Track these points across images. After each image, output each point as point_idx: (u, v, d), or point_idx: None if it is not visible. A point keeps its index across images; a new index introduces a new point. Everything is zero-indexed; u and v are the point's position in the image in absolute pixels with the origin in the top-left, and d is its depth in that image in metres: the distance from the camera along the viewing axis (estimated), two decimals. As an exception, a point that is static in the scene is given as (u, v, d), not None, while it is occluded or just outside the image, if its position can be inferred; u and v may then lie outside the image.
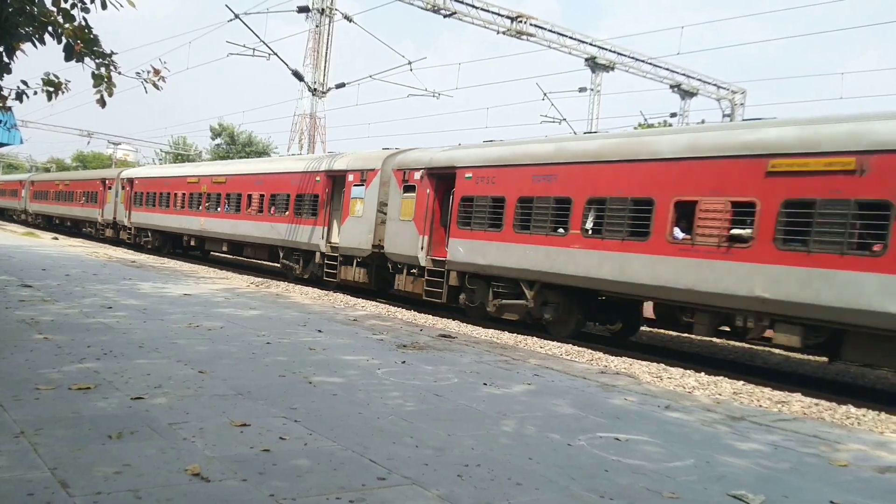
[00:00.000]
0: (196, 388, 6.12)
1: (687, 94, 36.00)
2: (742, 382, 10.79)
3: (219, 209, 27.35)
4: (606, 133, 16.47)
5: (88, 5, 7.66)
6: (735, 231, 11.52)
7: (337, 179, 21.03)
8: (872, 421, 8.83)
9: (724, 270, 11.55)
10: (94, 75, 8.23)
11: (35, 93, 8.42)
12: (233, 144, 75.72)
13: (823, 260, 10.42)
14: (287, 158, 27.48)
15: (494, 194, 15.62)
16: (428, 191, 17.53)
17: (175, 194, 30.56)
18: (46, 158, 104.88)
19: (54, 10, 7.57)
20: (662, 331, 17.83)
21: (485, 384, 7.51)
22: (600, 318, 15.55)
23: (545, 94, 30.26)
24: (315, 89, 27.49)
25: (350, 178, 20.28)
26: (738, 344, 16.45)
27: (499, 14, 29.53)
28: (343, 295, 18.92)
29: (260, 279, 21.32)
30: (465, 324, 15.14)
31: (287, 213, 22.92)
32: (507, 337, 13.50)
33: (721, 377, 11.11)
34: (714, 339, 16.34)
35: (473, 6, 28.56)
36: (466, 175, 16.37)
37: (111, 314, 10.02)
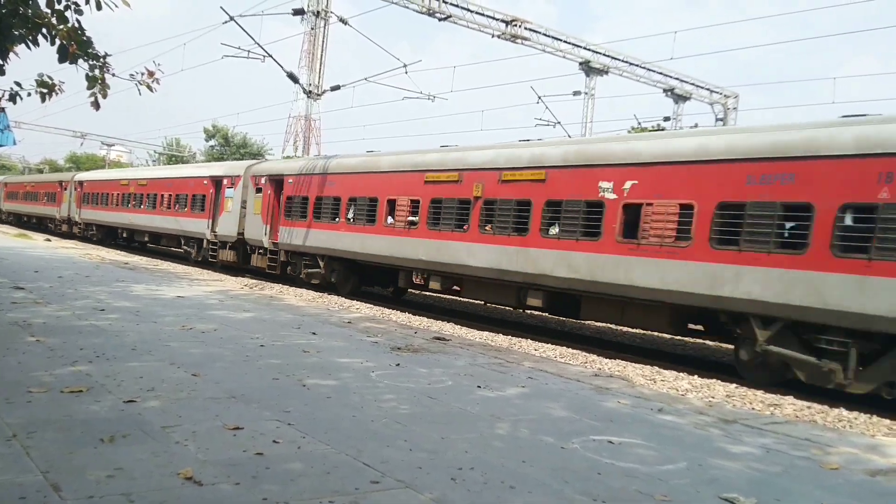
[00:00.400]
0: (189, 391, 6.11)
1: (680, 99, 36.12)
2: (735, 385, 10.83)
3: (142, 206, 35.63)
4: (361, 154, 22.79)
5: (82, 7, 7.65)
6: (411, 218, 18.08)
7: (218, 183, 27.38)
8: (864, 424, 8.87)
9: (404, 242, 18.21)
10: (87, 77, 8.23)
11: (29, 94, 8.41)
12: (227, 146, 75.63)
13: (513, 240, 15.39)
14: (188, 166, 39.83)
15: (303, 194, 22.35)
16: (269, 192, 24.05)
17: (112, 194, 37.46)
18: (40, 160, 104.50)
19: (48, 11, 7.56)
20: (656, 333, 17.87)
21: (479, 387, 7.51)
22: (375, 282, 21.68)
23: (539, 98, 30.34)
24: (310, 91, 27.48)
25: (225, 182, 26.73)
26: (730, 346, 16.51)
27: (493, 18, 29.59)
28: (337, 297, 18.93)
29: (254, 281, 21.33)
30: (458, 326, 15.15)
31: (186, 209, 29.78)
32: (501, 339, 13.52)
33: (714, 380, 11.15)
34: (707, 342, 16.37)
35: (468, 10, 28.62)
36: (289, 181, 23.21)
37: (104, 316, 9.98)
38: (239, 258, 25.53)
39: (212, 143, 75.68)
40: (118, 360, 7.12)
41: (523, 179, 15.10)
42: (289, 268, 22.97)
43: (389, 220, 18.60)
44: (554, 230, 14.51)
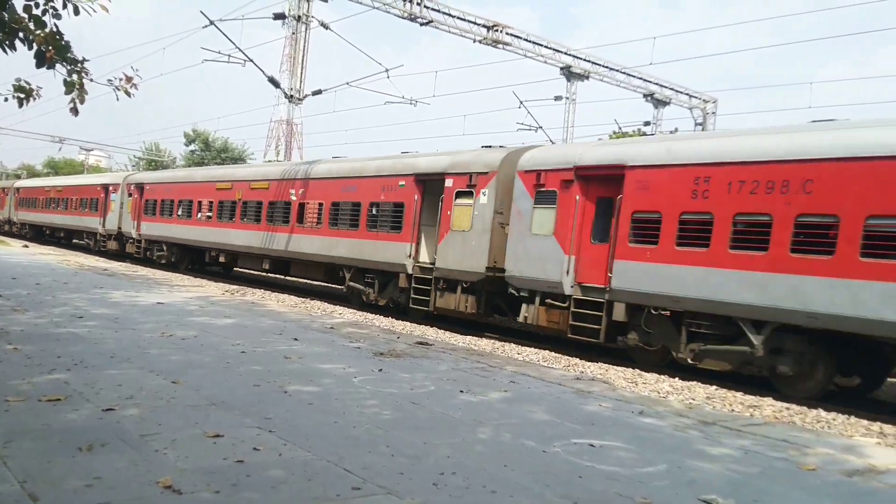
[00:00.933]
0: (168, 399, 6.07)
1: (660, 103, 36.41)
2: (715, 387, 10.91)
3: (58, 208, 39.51)
4: (185, 169, 29.80)
5: (60, 11, 7.58)
6: (208, 213, 26.61)
7: (106, 189, 34.55)
8: (842, 424, 8.98)
9: (206, 231, 26.62)
10: (65, 82, 8.14)
11: (6, 99, 8.31)
12: (207, 151, 75.09)
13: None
14: (88, 176, 46.50)
15: (153, 198, 30.19)
16: (136, 196, 31.40)
17: (39, 199, 37.15)
18: (17, 164, 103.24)
19: (25, 16, 7.48)
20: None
21: (461, 391, 7.52)
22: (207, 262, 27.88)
23: (521, 103, 30.45)
24: (291, 96, 27.40)
25: (110, 188, 34.09)
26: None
27: (475, 23, 29.68)
28: (321, 302, 18.86)
29: (235, 286, 21.22)
30: (442, 330, 15.15)
31: (86, 210, 36.81)
32: (484, 343, 13.54)
33: (695, 382, 11.23)
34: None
35: (450, 15, 28.68)
36: (147, 187, 30.88)
37: (82, 324, 9.88)
38: (120, 247, 33.01)
39: (192, 147, 75.12)
40: (96, 368, 7.05)
41: (258, 188, 23.46)
42: (147, 252, 30.42)
43: (199, 215, 26.82)
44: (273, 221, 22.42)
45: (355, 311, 17.77)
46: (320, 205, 20.24)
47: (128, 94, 9.54)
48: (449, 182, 16.30)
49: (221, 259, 26.02)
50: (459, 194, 16.01)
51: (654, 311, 12.34)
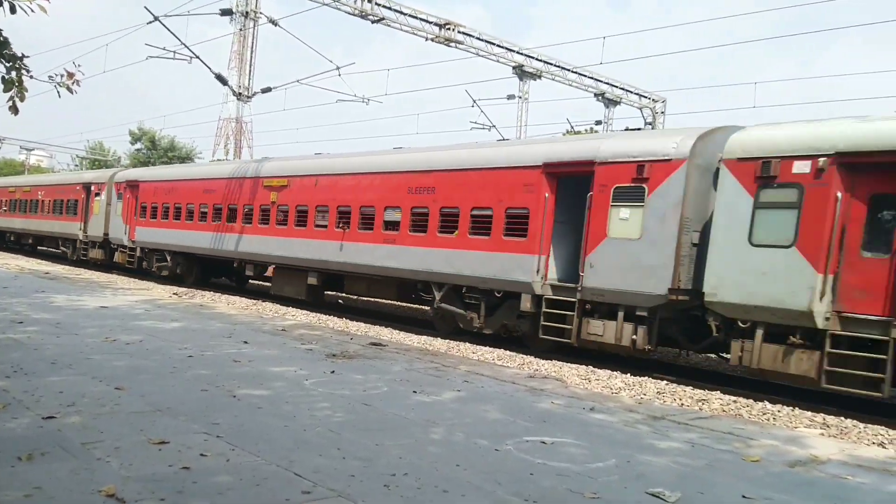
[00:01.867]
0: (112, 406, 5.90)
1: (611, 103, 36.95)
2: (665, 382, 11.10)
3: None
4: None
5: None
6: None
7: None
8: (787, 416, 9.22)
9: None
10: (3, 80, 7.86)
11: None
12: (154, 149, 73.53)
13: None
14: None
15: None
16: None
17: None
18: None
19: (-42, 13, 7.19)
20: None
21: (415, 392, 7.50)
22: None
23: (474, 101, 30.55)
24: (240, 93, 26.95)
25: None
26: (661, 347, 16.97)
27: (427, 21, 29.63)
28: (273, 304, 18.57)
29: (183, 289, 20.68)
30: (396, 331, 15.09)
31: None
32: (439, 343, 13.52)
33: (646, 377, 11.40)
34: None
35: (401, 12, 28.58)
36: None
37: (22, 329, 9.55)
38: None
39: (138, 146, 73.41)
40: (37, 375, 6.82)
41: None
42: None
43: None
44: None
45: (308, 312, 17.48)
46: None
47: (70, 90, 9.25)
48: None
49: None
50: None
51: None
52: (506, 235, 13.66)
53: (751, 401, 10.07)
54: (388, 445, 5.36)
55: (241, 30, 26.46)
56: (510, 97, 34.10)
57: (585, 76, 35.56)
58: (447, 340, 14.10)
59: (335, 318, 16.49)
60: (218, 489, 4.12)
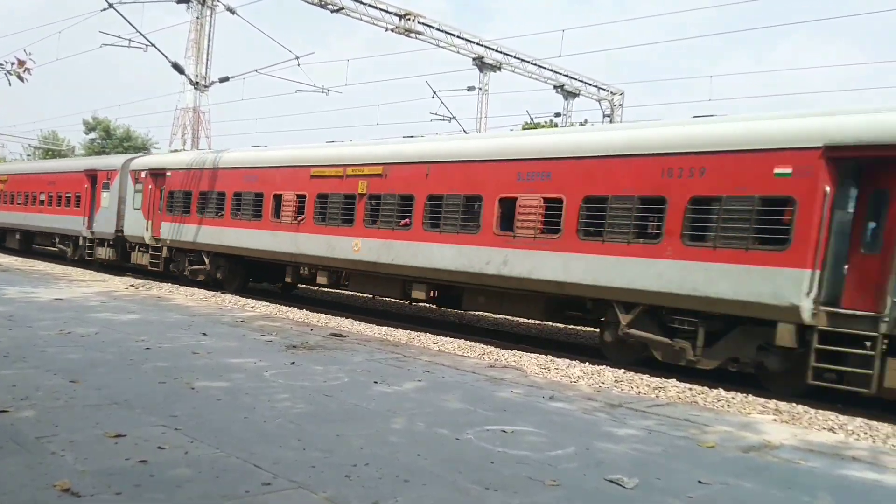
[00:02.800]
0: (67, 399, 5.78)
1: (570, 95, 37.21)
2: (623, 371, 11.27)
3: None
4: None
5: None
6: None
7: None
8: (741, 403, 9.45)
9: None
10: (-50, 68, 7.62)
11: None
12: (109, 139, 71.92)
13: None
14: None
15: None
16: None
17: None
18: None
19: None
20: (552, 324, 18.38)
21: (375, 382, 7.51)
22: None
23: (435, 93, 30.47)
24: (197, 83, 26.47)
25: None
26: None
27: (387, 11, 29.45)
28: (231, 296, 18.35)
29: (141, 281, 20.19)
30: (357, 322, 15.04)
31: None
32: (399, 334, 13.51)
33: (604, 366, 11.57)
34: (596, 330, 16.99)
35: (361, 2, 28.35)
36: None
37: (-29, 322, 9.29)
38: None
39: (92, 135, 71.70)
40: (-13, 369, 6.64)
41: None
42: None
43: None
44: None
45: (268, 304, 17.25)
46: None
47: (21, 78, 9.02)
48: None
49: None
50: None
51: None
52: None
53: (706, 388, 10.29)
54: (348, 436, 5.36)
55: (197, 18, 25.96)
56: (470, 88, 34.12)
57: (545, 68, 35.76)
58: (407, 331, 14.11)
59: (295, 309, 16.36)
60: (176, 482, 4.08)
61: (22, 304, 11.59)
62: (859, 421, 8.43)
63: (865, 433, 7.93)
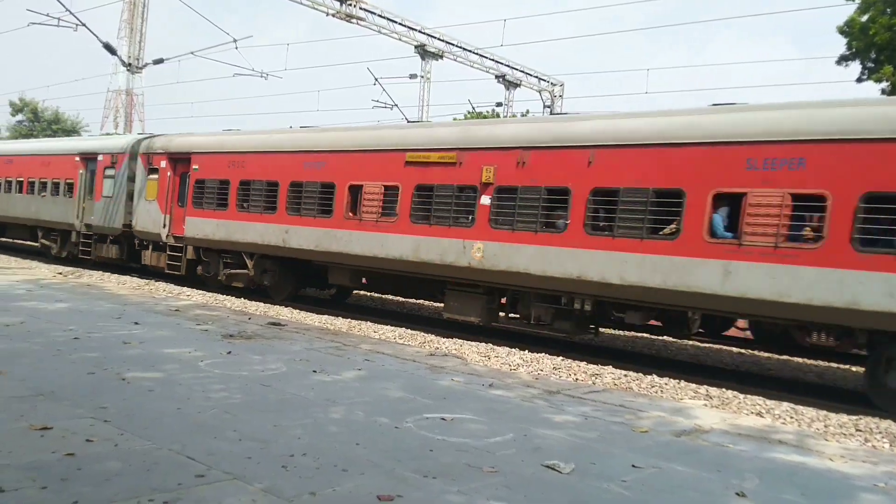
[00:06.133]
0: (-12, 391, 5.53)
1: (511, 85, 37.44)
2: (561, 358, 11.44)
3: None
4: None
5: None
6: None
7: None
8: (673, 389, 9.71)
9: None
10: None
11: None
12: (36, 122, 69.13)
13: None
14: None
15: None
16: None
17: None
18: None
19: None
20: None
21: (314, 371, 7.42)
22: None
23: (376, 80, 30.18)
24: (130, 64, 25.57)
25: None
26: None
27: (328, -5, 29.04)
28: (166, 284, 17.76)
29: (70, 269, 19.28)
30: (297, 310, 14.83)
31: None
32: (340, 322, 13.38)
33: (543, 354, 11.72)
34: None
35: (302, -14, 27.87)
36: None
37: None
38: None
39: (19, 117, 68.77)
40: None
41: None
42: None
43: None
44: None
45: (205, 292, 16.76)
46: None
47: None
48: None
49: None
50: None
51: None
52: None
53: (640, 374, 10.54)
54: (286, 426, 5.28)
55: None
56: (412, 76, 33.97)
57: (486, 58, 35.87)
58: (348, 319, 14.00)
59: (233, 298, 16.00)
60: (105, 475, 3.94)
61: (-60, 293, 11.04)
62: (785, 405, 8.76)
63: (791, 417, 8.24)
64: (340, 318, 14.09)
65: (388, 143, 14.13)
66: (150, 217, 19.00)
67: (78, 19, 23.54)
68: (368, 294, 18.65)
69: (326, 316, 14.14)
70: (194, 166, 17.94)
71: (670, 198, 10.44)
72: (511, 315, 12.92)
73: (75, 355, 7.18)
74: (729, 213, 10.07)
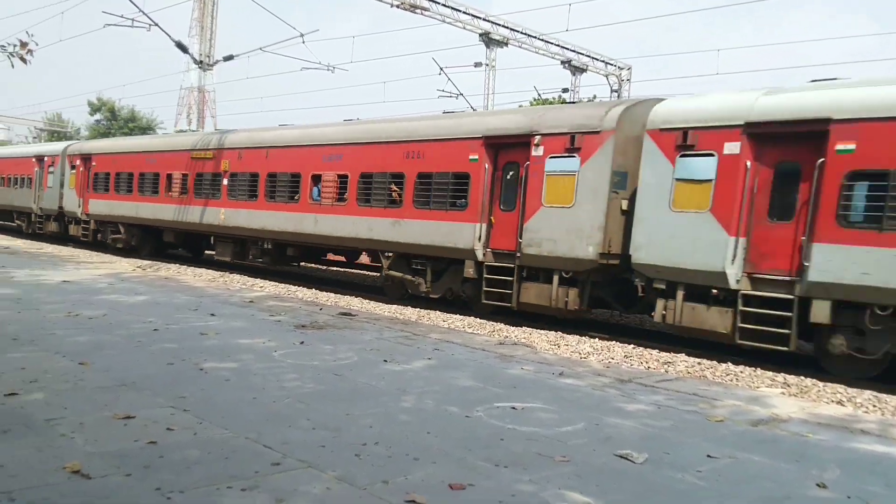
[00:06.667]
0: (75, 381, 5.79)
1: (577, 70, 36.80)
2: (633, 346, 11.25)
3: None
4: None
5: None
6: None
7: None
8: (749, 377, 9.42)
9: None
10: (-45, 53, 7.58)
11: None
12: (114, 120, 71.95)
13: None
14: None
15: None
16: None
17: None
18: None
19: None
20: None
21: (385, 361, 7.49)
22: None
23: (441, 69, 30.17)
24: (201, 62, 26.31)
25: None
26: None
27: (392, -14, 29.11)
28: (240, 276, 18.36)
29: (148, 262, 20.35)
30: (367, 300, 15.04)
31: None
32: (409, 312, 13.50)
33: (614, 342, 11.54)
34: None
35: (365, -22, 28.05)
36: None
37: (-19, 306, 9.32)
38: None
39: (97, 117, 71.77)
40: (-3, 352, 6.66)
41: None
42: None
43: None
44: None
45: (277, 283, 17.29)
46: None
47: (24, 60, 8.97)
48: None
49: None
50: None
51: None
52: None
53: (714, 362, 10.26)
54: (358, 415, 5.35)
55: (200, -4, 25.71)
56: (477, 65, 33.79)
57: (552, 43, 35.34)
58: (417, 309, 14.11)
59: (304, 288, 16.37)
60: (185, 463, 4.08)
61: (30, 287, 11.63)
62: (868, 394, 8.39)
63: (874, 406, 7.89)
64: (409, 308, 14.22)
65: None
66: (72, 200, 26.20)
67: (151, 19, 24.30)
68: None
69: (396, 306, 14.29)
70: (93, 163, 25.29)
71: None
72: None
73: (155, 346, 7.45)
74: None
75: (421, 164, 14.57)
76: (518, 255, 12.87)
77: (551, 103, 36.26)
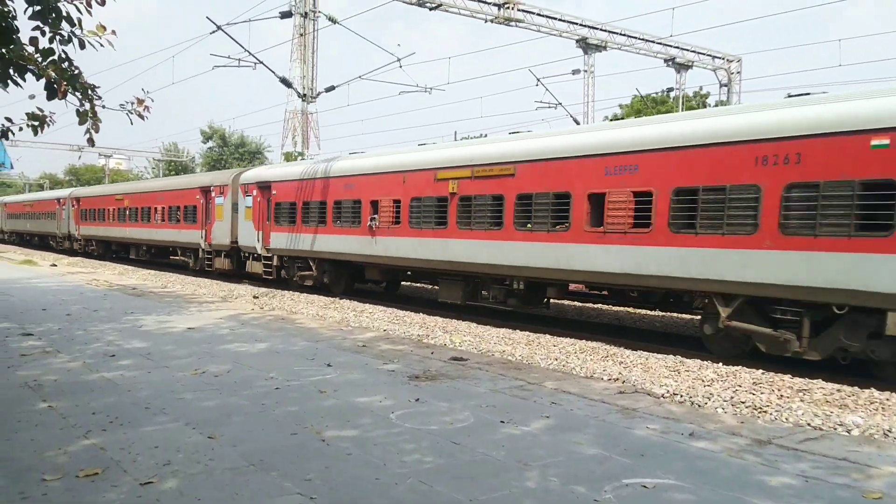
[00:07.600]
0: (206, 462, 5.94)
1: (682, 68, 35.48)
2: (761, 371, 10.60)
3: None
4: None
5: (66, 36, 7.38)
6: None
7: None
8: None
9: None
10: (78, 112, 8.01)
11: (20, 129, 8.25)
12: (225, 146, 75.51)
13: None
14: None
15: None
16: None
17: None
18: (39, 174, 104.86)
19: (32, 49, 7.30)
20: (650, 312, 17.60)
21: (502, 422, 7.32)
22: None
23: (539, 80, 29.86)
24: (304, 94, 27.14)
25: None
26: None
27: (485, 2, 29.08)
28: (349, 301, 18.67)
29: (263, 289, 21.38)
30: (474, 324, 14.95)
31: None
32: (519, 353, 12.95)
33: (740, 367, 10.89)
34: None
35: (458, -4, 28.11)
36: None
37: (115, 365, 9.83)
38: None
39: (210, 144, 75.60)
40: (132, 425, 6.95)
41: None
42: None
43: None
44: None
45: (385, 308, 17.51)
46: None
47: (141, 117, 9.38)
48: None
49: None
50: None
51: None
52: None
53: (856, 388, 9.48)
54: (482, 500, 5.20)
55: (301, 35, 26.53)
56: (575, 72, 33.23)
57: (653, 42, 34.26)
58: (526, 333, 14.00)
59: (412, 313, 16.49)
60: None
61: (158, 338, 12.21)
62: None
63: None
64: (518, 331, 14.08)
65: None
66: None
67: (256, 58, 25.32)
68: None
69: (504, 329, 14.14)
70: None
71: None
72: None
73: (278, 410, 7.59)
74: None
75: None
76: None
77: (654, 100, 35.11)
